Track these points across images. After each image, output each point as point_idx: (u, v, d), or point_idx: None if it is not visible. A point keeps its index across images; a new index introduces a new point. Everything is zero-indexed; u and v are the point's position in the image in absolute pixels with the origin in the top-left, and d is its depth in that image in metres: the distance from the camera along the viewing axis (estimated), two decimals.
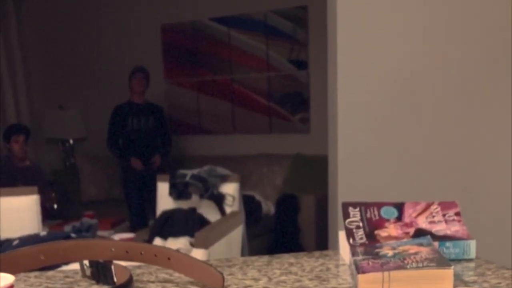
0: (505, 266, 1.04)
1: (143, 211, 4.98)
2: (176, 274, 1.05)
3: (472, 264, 1.08)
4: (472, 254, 1.10)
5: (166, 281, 1.04)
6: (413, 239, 1.07)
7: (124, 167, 5.28)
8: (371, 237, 1.11)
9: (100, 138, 6.39)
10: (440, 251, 1.02)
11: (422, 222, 1.14)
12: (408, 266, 0.89)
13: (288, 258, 1.17)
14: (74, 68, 6.57)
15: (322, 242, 4.14)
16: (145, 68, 5.27)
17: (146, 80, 5.21)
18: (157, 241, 3.09)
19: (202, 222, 3.20)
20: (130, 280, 0.93)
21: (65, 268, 1.30)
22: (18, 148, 4.78)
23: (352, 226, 1.14)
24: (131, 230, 4.41)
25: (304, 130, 5.59)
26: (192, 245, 2.87)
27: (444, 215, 1.15)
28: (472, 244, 1.10)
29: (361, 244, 1.08)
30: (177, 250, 1.06)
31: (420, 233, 1.10)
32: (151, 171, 4.87)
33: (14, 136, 4.80)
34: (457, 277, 0.97)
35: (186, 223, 3.15)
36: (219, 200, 3.42)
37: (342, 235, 1.16)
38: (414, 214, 1.15)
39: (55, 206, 5.10)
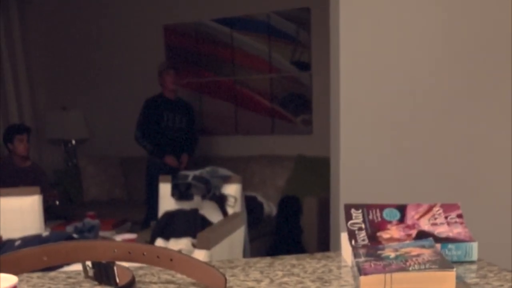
0: (507, 269, 1.04)
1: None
2: (179, 275, 1.05)
3: (474, 266, 1.08)
4: (474, 256, 1.10)
5: (168, 282, 1.04)
6: (415, 241, 1.07)
7: (151, 163, 5.24)
8: (373, 239, 1.11)
9: (102, 139, 6.42)
10: (442, 253, 1.02)
11: (425, 224, 1.13)
12: (410, 268, 0.89)
13: (290, 260, 1.17)
14: (76, 69, 6.58)
15: (324, 243, 4.14)
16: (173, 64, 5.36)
17: (176, 78, 5.27)
18: (159, 242, 3.09)
19: (204, 223, 3.20)
20: (132, 281, 0.93)
21: (67, 269, 1.30)
22: (23, 147, 4.78)
23: (354, 228, 1.14)
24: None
25: (307, 132, 5.59)
26: (194, 246, 2.87)
27: (446, 217, 1.15)
28: (475, 246, 1.10)
29: (363, 246, 1.08)
30: (179, 251, 1.06)
31: (422, 235, 1.10)
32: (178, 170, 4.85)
33: (17, 135, 4.79)
34: (459, 279, 0.97)
35: (188, 224, 3.15)
36: (221, 201, 3.42)
37: (344, 236, 1.16)
38: (416, 216, 1.15)
39: (57, 202, 5.08)
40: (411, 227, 1.13)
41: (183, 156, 5.20)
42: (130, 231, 4.29)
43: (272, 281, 1.03)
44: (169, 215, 3.30)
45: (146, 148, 5.24)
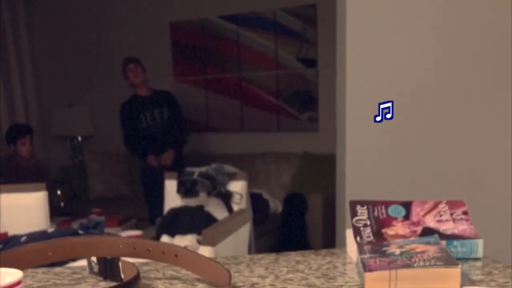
0: None
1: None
2: (183, 271, 1.05)
3: (479, 263, 1.08)
4: (480, 253, 1.10)
5: (173, 278, 1.04)
6: (421, 237, 1.07)
7: (143, 165, 5.00)
8: (379, 235, 1.11)
9: (108, 136, 6.43)
10: (448, 250, 1.02)
11: (430, 221, 1.13)
12: (415, 265, 0.89)
13: (295, 256, 1.17)
14: (82, 66, 6.59)
15: (330, 240, 4.13)
16: (134, 57, 4.98)
17: (141, 69, 4.86)
18: (164, 239, 3.09)
19: (210, 220, 3.20)
20: (137, 277, 0.93)
21: (72, 264, 1.30)
22: (25, 150, 4.74)
23: (360, 225, 1.14)
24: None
25: (312, 129, 5.58)
26: (199, 242, 2.87)
27: (451, 214, 1.14)
28: (480, 243, 1.10)
29: (368, 243, 1.08)
30: (184, 247, 1.06)
31: (427, 231, 1.10)
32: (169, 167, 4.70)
33: (20, 139, 4.73)
34: (464, 276, 0.97)
35: (194, 221, 3.15)
36: (226, 198, 3.42)
37: (349, 233, 1.16)
38: (421, 213, 1.15)
39: (62, 204, 5.08)
40: (416, 223, 1.13)
41: (167, 153, 4.86)
42: (136, 227, 4.29)
43: (276, 277, 1.03)
44: (175, 211, 3.31)
45: (135, 155, 5.04)
